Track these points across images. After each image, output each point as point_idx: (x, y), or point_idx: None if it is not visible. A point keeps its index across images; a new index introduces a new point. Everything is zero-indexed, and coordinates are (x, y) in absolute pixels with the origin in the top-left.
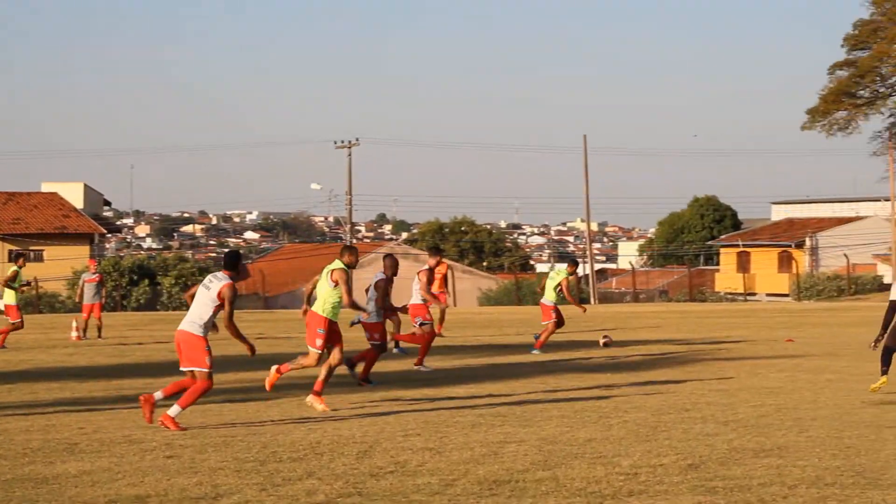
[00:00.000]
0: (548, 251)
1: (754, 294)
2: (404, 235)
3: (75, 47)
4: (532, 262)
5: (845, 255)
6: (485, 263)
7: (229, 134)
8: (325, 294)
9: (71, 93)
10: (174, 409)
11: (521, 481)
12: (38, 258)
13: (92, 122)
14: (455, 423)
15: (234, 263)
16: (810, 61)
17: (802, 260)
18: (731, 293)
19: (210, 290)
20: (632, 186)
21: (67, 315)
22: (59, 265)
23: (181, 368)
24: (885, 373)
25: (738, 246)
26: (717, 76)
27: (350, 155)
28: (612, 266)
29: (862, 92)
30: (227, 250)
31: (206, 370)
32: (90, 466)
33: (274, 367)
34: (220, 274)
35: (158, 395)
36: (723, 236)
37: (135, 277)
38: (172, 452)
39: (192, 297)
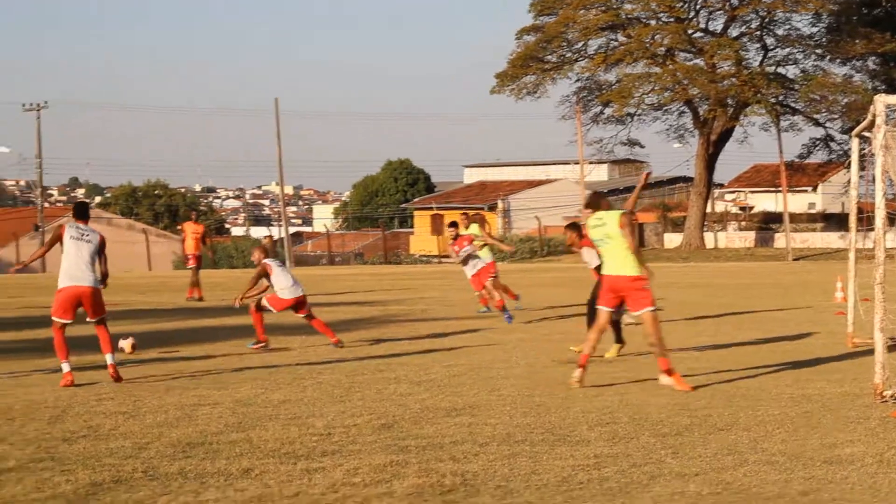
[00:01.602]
0: (243, 214)
1: (448, 256)
2: (98, 199)
3: None
4: (227, 226)
5: (537, 218)
6: (179, 227)
7: None
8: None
9: None
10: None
11: (216, 443)
12: None
13: None
14: (149, 387)
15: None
16: (499, 26)
17: (495, 222)
18: (425, 255)
19: (91, 243)
20: (326, 149)
21: None
22: None
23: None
24: (617, 340)
25: (431, 209)
26: (411, 39)
27: (39, 118)
28: (308, 229)
29: (549, 57)
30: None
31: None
32: None
33: None
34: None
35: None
36: (416, 199)
37: None
38: None
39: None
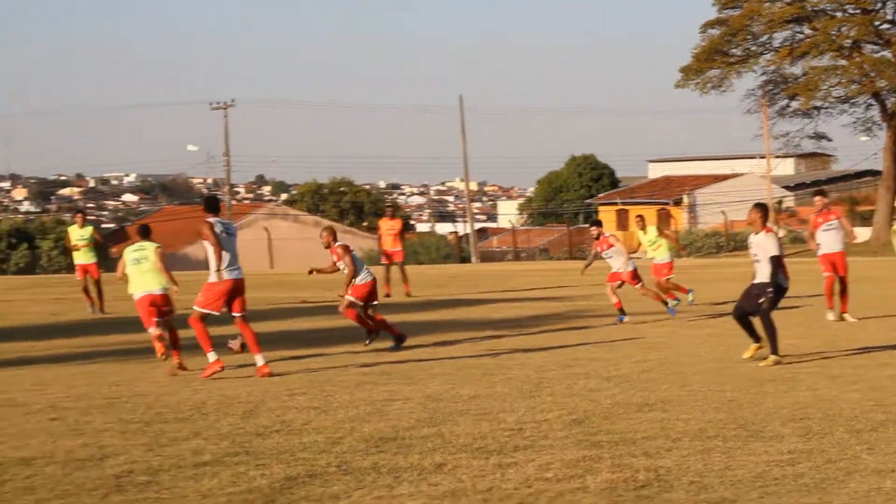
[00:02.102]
0: (428, 210)
1: (634, 251)
2: (283, 196)
3: None
4: (412, 222)
5: (723, 212)
6: (365, 224)
7: (106, 96)
8: None
9: None
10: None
11: (407, 438)
12: None
13: None
14: (340, 382)
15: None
16: (684, 19)
17: (681, 217)
18: None
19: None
20: (510, 145)
21: None
22: None
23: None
24: (755, 339)
25: (616, 204)
26: (595, 34)
27: (226, 116)
28: (493, 225)
29: (734, 50)
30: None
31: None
32: None
33: None
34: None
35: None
36: (601, 195)
37: (13, 241)
38: (57, 415)
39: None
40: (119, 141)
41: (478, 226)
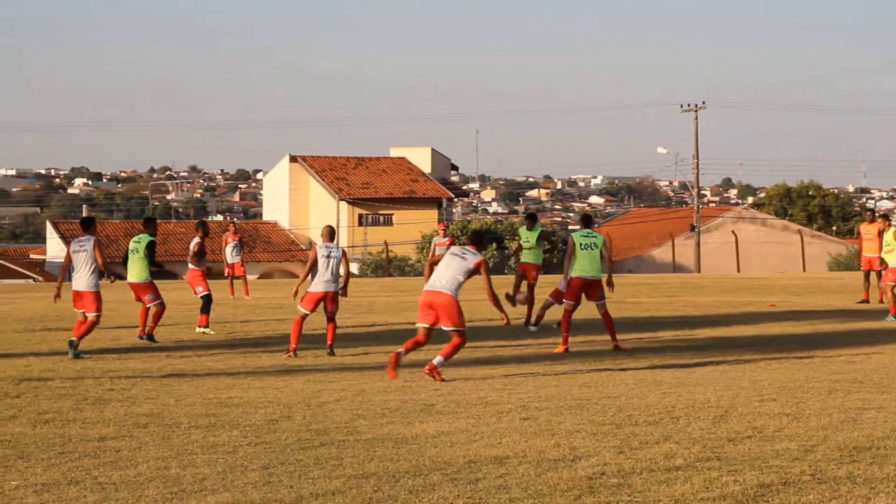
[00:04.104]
0: None
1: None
2: (750, 199)
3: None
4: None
5: None
6: (833, 228)
7: (574, 98)
8: None
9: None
10: (438, 359)
11: (883, 448)
12: (388, 222)
13: (439, 87)
14: (811, 389)
15: (480, 240)
16: None
17: None
18: None
19: (466, 261)
20: None
21: (416, 278)
22: (408, 229)
23: (422, 324)
24: None
25: None
26: None
27: (696, 118)
28: None
29: None
30: (476, 229)
31: (462, 328)
32: (448, 427)
33: None
34: (470, 248)
35: (438, 360)
36: None
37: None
38: (528, 415)
39: (434, 264)
40: (588, 143)
41: None
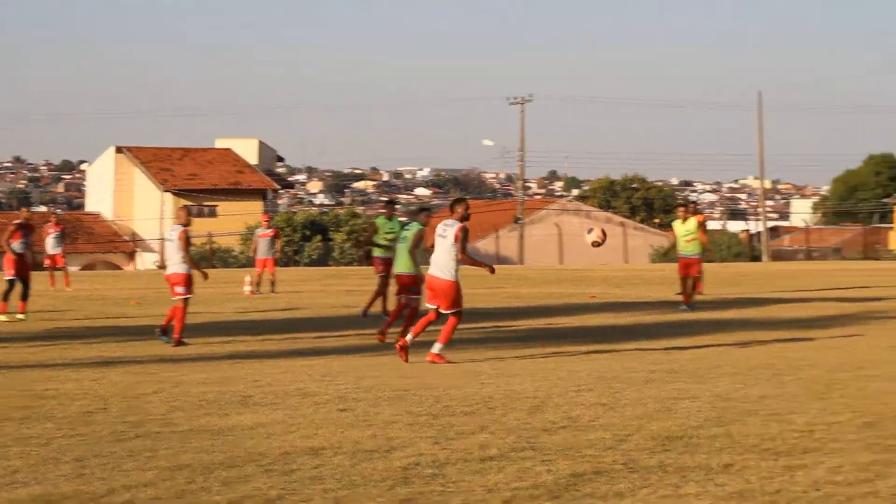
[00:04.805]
0: (720, 208)
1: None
2: (575, 192)
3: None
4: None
5: None
6: (656, 220)
7: (400, 90)
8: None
9: (244, 51)
10: (437, 346)
11: (695, 437)
12: (212, 213)
13: (266, 79)
14: (628, 379)
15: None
16: None
17: None
18: None
19: (447, 238)
20: (806, 143)
21: (240, 270)
22: (233, 220)
23: (429, 305)
24: None
25: None
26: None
27: (523, 111)
28: (785, 224)
29: None
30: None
31: (457, 310)
32: (265, 419)
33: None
34: (450, 220)
35: (409, 337)
36: None
37: (307, 233)
38: (346, 406)
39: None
40: (414, 135)
41: (770, 224)
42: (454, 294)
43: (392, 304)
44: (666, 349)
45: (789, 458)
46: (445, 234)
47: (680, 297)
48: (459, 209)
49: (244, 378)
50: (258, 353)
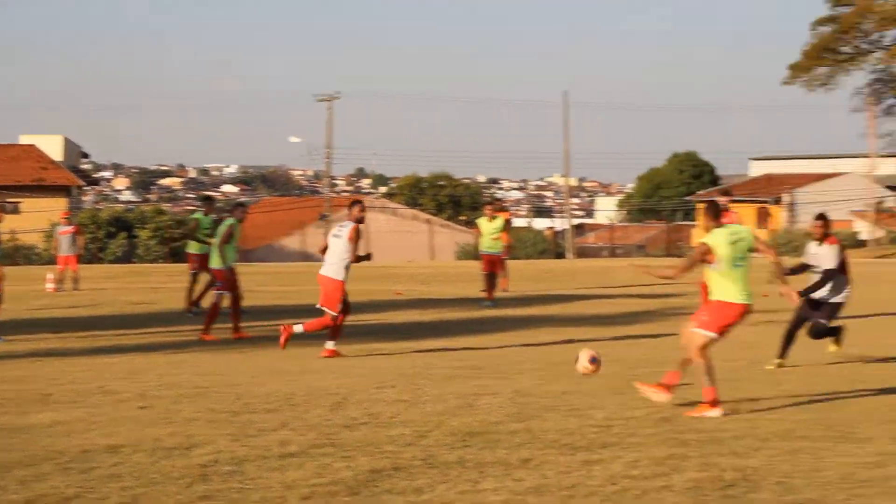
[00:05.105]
0: (526, 206)
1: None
2: (382, 189)
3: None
4: (511, 217)
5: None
6: (462, 218)
7: (209, 87)
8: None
9: (50, 46)
10: (298, 328)
11: (495, 433)
12: (15, 210)
13: (71, 75)
14: (430, 376)
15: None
16: (793, 17)
17: (780, 216)
18: None
19: (341, 238)
20: (611, 142)
21: (44, 267)
22: (37, 217)
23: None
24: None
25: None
26: (698, 33)
27: (330, 108)
28: (590, 221)
29: (844, 48)
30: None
31: (336, 313)
32: (64, 417)
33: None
34: (346, 221)
35: (298, 328)
36: (701, 192)
37: (112, 230)
38: (146, 403)
39: (325, 250)
40: (222, 132)
41: (575, 221)
42: (337, 294)
43: (208, 300)
44: (468, 347)
45: (587, 452)
46: (340, 234)
47: (483, 294)
48: (355, 210)
49: (44, 376)
50: (59, 351)
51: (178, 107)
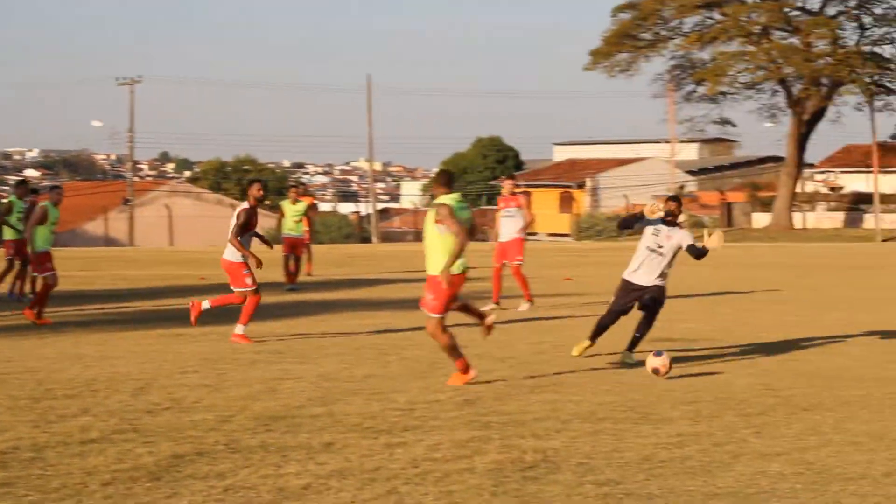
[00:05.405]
0: (332, 190)
1: (535, 234)
2: (187, 174)
3: None
4: (316, 201)
5: (625, 196)
6: (267, 202)
7: (9, 71)
8: None
9: None
10: (205, 304)
11: (297, 417)
12: None
13: None
14: (234, 360)
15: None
16: (598, 2)
17: (583, 200)
18: None
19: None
20: (416, 126)
21: None
22: None
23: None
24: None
25: (519, 187)
26: (499, 17)
27: (133, 92)
28: (396, 205)
29: (644, 34)
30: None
31: (247, 289)
32: None
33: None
34: (244, 203)
35: (206, 304)
36: (502, 177)
37: None
38: None
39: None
40: (23, 117)
41: (381, 206)
42: (233, 273)
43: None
44: (272, 332)
45: (390, 435)
46: (233, 215)
47: (284, 279)
48: (252, 190)
49: None
50: None
51: None
